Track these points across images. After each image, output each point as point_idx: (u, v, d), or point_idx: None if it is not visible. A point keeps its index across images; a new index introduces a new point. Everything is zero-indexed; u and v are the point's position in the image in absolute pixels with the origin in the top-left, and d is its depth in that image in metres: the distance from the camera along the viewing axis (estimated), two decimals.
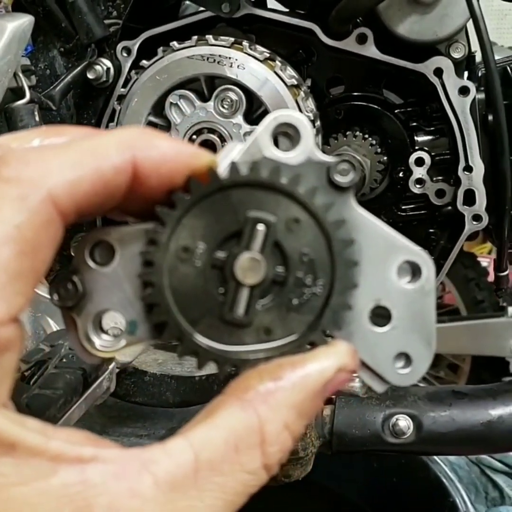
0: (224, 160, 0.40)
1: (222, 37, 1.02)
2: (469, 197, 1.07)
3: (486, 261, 2.61)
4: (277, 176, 0.39)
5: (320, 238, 0.39)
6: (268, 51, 1.04)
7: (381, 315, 0.41)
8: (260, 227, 0.39)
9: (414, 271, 0.41)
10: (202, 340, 0.39)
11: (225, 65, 1.01)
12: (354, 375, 0.40)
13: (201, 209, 0.39)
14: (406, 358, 0.41)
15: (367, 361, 0.41)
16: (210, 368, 0.40)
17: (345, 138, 1.12)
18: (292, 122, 0.40)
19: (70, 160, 0.35)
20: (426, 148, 1.12)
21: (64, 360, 0.81)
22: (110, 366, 0.86)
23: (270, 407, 0.36)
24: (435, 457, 1.22)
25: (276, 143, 0.41)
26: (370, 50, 1.05)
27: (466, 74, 1.12)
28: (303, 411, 0.37)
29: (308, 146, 0.40)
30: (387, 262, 0.40)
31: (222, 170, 0.39)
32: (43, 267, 0.35)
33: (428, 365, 0.41)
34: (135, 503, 0.32)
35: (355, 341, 0.40)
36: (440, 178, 1.11)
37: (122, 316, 0.40)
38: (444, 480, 1.22)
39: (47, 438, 0.33)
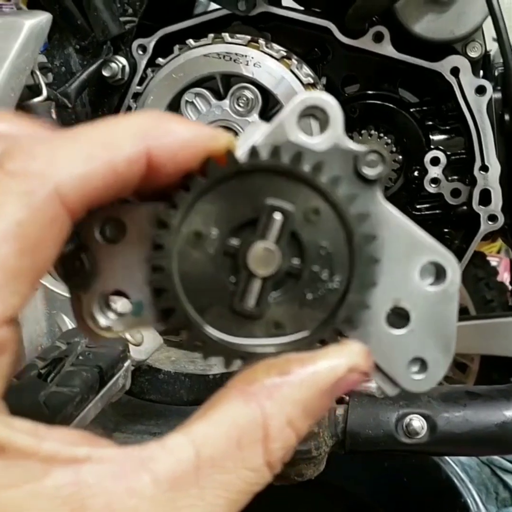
0: (246, 143, 0.37)
1: (238, 35, 1.02)
2: (485, 197, 1.07)
3: (495, 261, 2.60)
4: (298, 163, 0.36)
5: (341, 231, 0.37)
6: (284, 49, 1.03)
7: (399, 317, 0.39)
8: (277, 216, 0.36)
9: (439, 273, 0.38)
10: (209, 330, 0.37)
11: (241, 63, 1.01)
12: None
13: (217, 194, 0.37)
14: (422, 363, 0.39)
15: (380, 363, 0.39)
16: (217, 360, 0.38)
17: (360, 137, 1.12)
18: (321, 105, 0.37)
19: (80, 153, 0.33)
20: (441, 147, 1.11)
21: (81, 357, 0.81)
22: (126, 364, 0.86)
23: (275, 402, 0.34)
24: (446, 457, 1.21)
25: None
26: (387, 49, 1.05)
27: (481, 73, 1.12)
28: (309, 409, 0.35)
29: (337, 132, 0.37)
30: (411, 261, 0.38)
31: (241, 153, 0.37)
32: (44, 266, 0.34)
33: (444, 372, 0.39)
34: (133, 502, 0.31)
35: (369, 342, 0.38)
36: (455, 177, 1.11)
37: (129, 297, 0.38)
38: (456, 481, 1.21)
39: (39, 439, 0.32)
